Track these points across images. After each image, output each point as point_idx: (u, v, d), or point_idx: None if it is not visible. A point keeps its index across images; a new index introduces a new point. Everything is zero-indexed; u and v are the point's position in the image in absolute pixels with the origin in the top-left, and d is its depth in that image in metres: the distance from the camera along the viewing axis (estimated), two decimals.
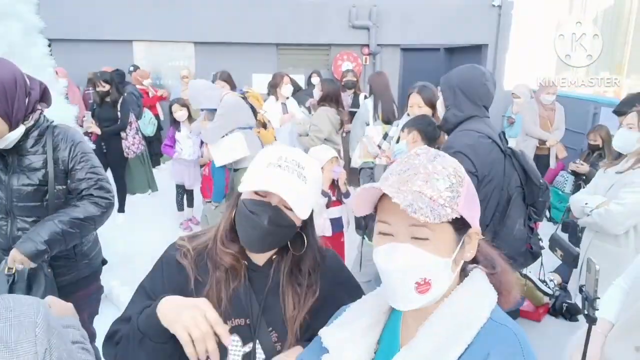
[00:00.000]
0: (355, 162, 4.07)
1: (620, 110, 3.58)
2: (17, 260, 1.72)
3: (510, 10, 8.41)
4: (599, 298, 1.22)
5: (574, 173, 5.00)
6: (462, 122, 2.27)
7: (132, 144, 5.34)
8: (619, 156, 3.27)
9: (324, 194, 3.77)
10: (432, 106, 3.21)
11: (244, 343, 1.20)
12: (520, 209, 2.21)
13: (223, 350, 1.16)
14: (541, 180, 2.22)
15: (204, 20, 8.45)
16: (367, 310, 1.01)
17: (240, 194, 1.18)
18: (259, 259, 1.25)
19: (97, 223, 1.96)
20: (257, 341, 1.20)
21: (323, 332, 1.02)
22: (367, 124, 4.54)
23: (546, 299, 3.74)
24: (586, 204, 2.77)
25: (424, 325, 0.90)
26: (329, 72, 8.75)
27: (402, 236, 0.87)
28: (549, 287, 3.82)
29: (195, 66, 8.81)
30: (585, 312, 1.29)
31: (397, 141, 3.43)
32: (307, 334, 1.21)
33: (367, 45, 8.76)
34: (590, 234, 2.83)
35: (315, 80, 7.12)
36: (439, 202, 0.84)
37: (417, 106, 3.24)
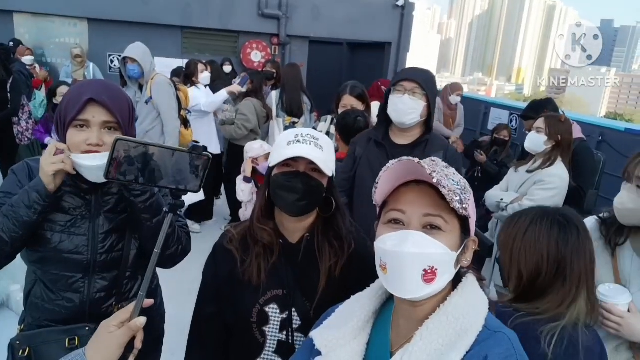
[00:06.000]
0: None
1: (527, 115, 3.96)
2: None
3: (412, 11, 8.90)
4: None
5: (471, 161, 5.44)
6: None
7: (25, 129, 4.73)
8: (522, 155, 3.65)
9: (247, 180, 3.75)
10: (364, 103, 3.28)
11: (282, 311, 1.36)
12: None
13: (264, 316, 1.35)
14: None
15: None
16: (357, 311, 1.04)
17: (269, 177, 1.36)
18: (293, 236, 1.40)
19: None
20: (293, 309, 1.35)
21: (314, 334, 1.04)
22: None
23: None
24: (501, 199, 3.10)
25: (420, 330, 0.93)
26: (238, 61, 8.55)
27: (414, 224, 0.93)
28: None
29: (89, 45, 8.03)
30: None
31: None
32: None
33: (277, 35, 8.70)
34: None
35: (227, 68, 6.92)
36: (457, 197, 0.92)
37: (350, 107, 3.18)
